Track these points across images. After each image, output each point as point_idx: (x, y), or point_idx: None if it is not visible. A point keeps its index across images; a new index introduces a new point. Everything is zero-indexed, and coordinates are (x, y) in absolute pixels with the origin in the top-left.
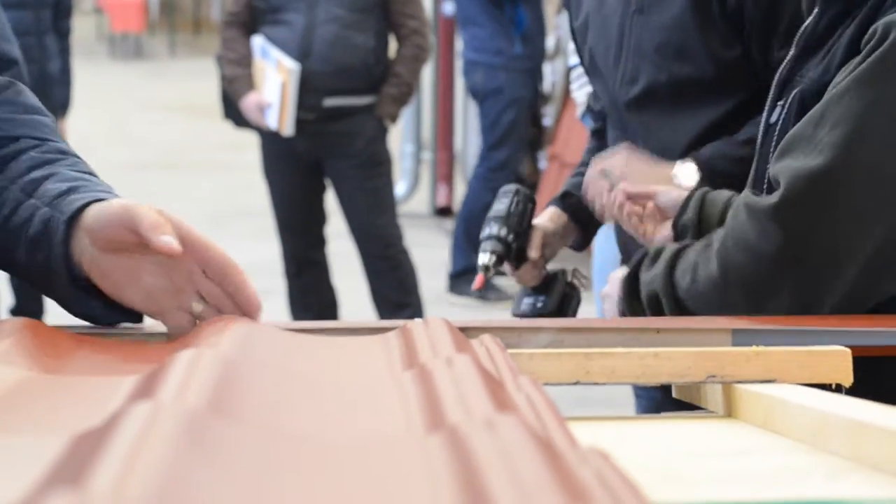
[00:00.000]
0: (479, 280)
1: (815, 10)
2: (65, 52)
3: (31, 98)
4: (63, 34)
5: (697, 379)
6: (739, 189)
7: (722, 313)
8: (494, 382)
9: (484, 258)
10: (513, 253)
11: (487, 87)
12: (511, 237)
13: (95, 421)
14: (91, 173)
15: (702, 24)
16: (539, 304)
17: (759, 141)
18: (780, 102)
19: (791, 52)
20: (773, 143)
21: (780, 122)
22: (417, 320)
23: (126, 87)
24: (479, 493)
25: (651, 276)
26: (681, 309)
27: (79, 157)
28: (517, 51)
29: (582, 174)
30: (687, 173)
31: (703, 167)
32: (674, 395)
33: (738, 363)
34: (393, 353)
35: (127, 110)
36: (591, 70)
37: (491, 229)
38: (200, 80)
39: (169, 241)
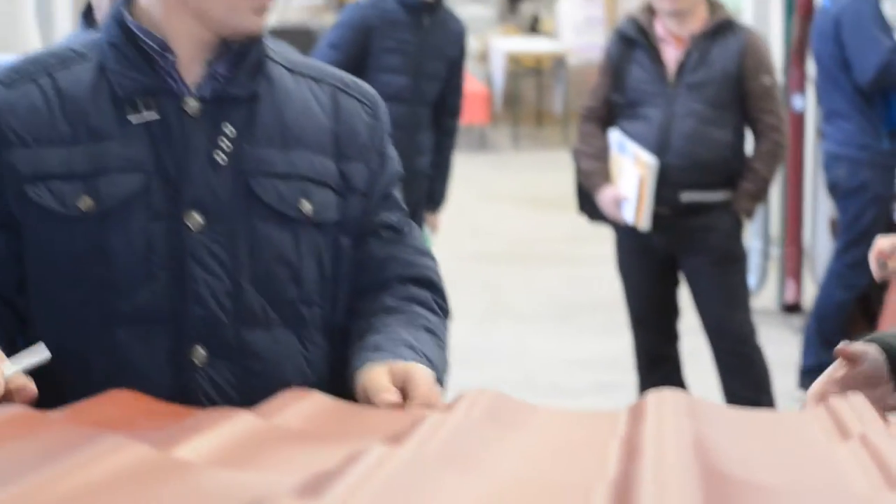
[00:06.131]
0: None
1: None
2: (445, 150)
3: (420, 241)
4: (446, 132)
5: None
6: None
7: None
8: None
9: None
10: None
11: (850, 184)
12: None
13: None
14: (426, 327)
15: None
16: None
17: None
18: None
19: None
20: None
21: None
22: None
23: (471, 178)
24: None
25: None
26: None
27: (422, 308)
28: (884, 146)
29: None
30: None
31: None
32: None
33: None
34: (825, 424)
35: (472, 201)
36: None
37: None
38: (543, 172)
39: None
